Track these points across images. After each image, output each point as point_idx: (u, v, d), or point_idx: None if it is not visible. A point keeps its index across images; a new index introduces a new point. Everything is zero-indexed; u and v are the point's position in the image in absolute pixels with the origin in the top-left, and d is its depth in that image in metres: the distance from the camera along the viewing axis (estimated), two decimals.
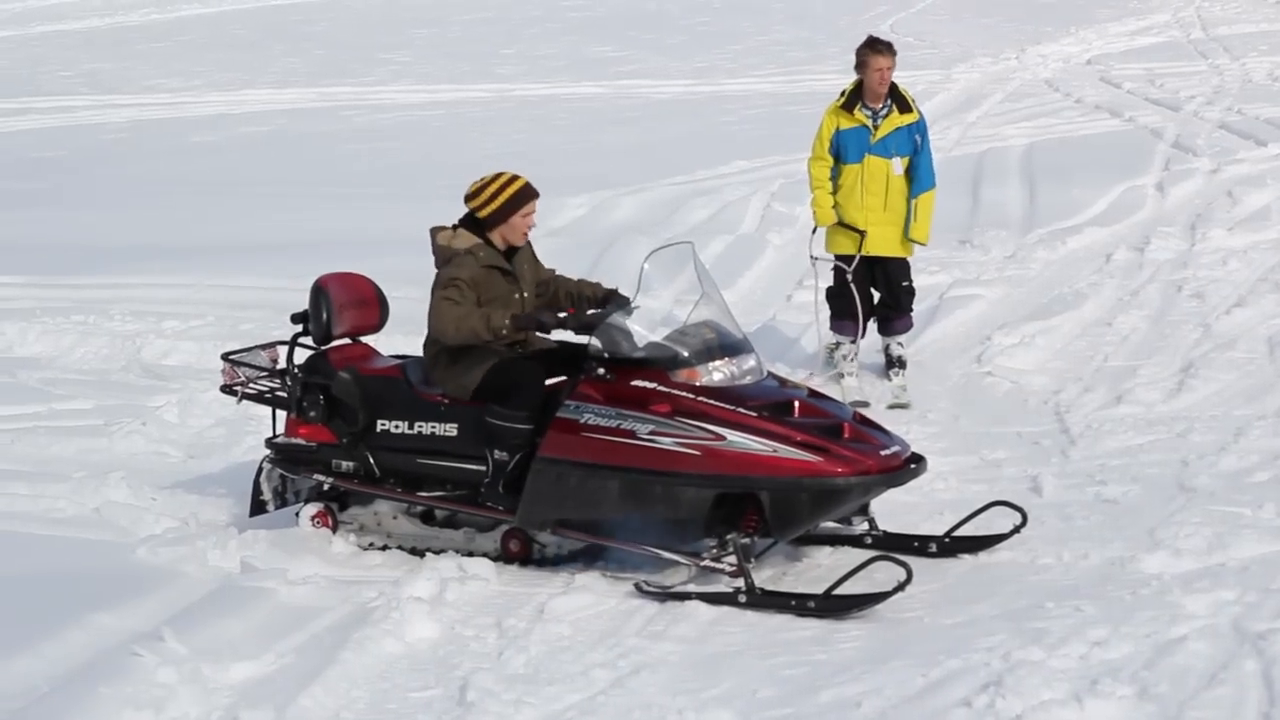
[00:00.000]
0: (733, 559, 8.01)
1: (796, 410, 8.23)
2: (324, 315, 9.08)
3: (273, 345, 9.52)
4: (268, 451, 9.19)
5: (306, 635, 7.67)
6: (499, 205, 8.74)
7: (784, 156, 19.81)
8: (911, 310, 11.68)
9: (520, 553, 8.67)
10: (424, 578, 8.20)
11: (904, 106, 11.35)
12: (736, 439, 7.94)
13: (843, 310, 11.51)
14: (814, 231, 11.70)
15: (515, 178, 8.81)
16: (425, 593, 8.04)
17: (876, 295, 11.61)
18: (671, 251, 8.90)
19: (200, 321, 13.74)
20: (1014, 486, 9.38)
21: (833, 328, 11.67)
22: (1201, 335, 12.03)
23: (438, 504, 8.83)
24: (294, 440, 9.07)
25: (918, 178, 11.33)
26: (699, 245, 15.21)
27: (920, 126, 11.39)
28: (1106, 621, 7.20)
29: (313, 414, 8.94)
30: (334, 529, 9.00)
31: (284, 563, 8.54)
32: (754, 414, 8.04)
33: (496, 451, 8.48)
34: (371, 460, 8.86)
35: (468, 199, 8.81)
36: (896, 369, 11.52)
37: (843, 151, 11.36)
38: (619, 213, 17.42)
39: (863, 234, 11.31)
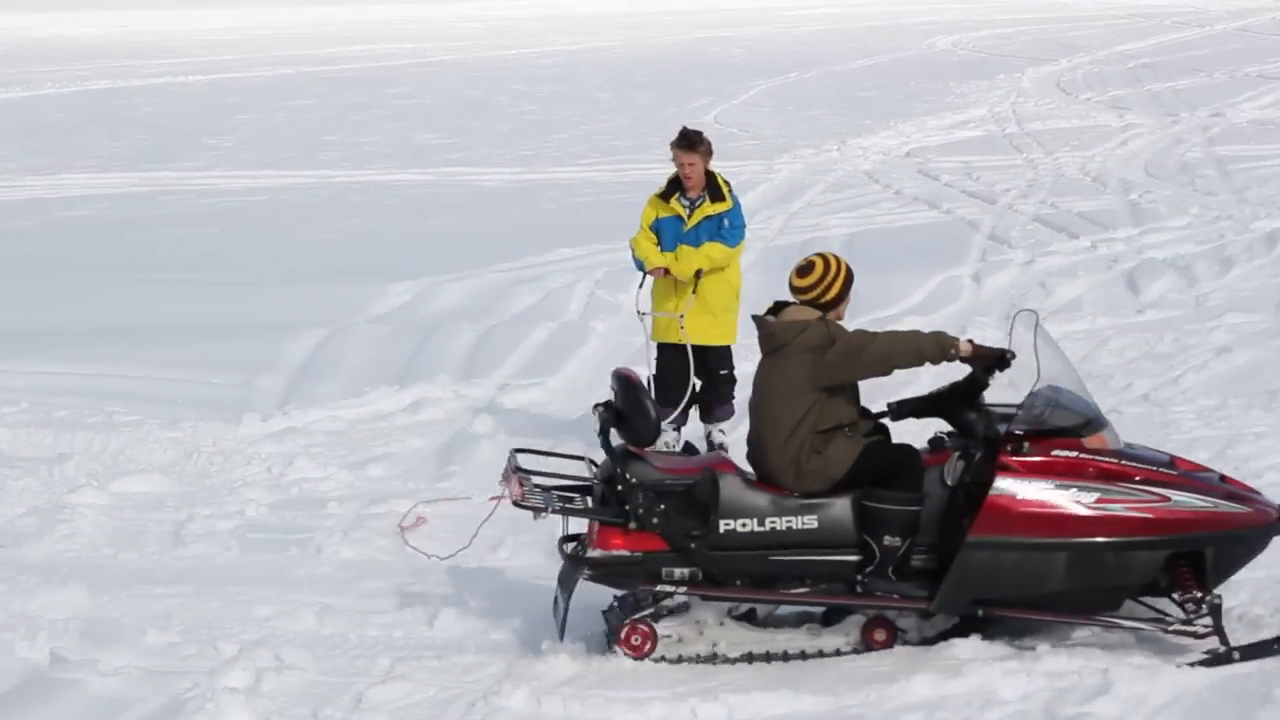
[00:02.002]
0: (1206, 620, 8.07)
1: (1178, 465, 8.46)
2: (651, 413, 8.49)
3: (576, 457, 8.98)
4: (581, 570, 8.31)
5: None
6: (840, 289, 8.65)
7: (608, 244, 19.91)
8: (733, 398, 11.77)
9: (886, 642, 8.39)
10: (240, 668, 8.07)
11: (717, 196, 11.49)
12: (1180, 498, 8.11)
13: (663, 397, 11.57)
14: (640, 286, 11.78)
15: (839, 259, 8.74)
16: (240, 683, 7.91)
17: (698, 383, 11.69)
18: (1021, 315, 8.84)
19: (13, 408, 13.46)
20: None
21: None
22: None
23: (806, 600, 8.41)
24: (616, 553, 8.30)
25: (719, 237, 11.47)
26: (522, 333, 15.38)
27: (732, 214, 11.53)
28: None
29: (655, 521, 8.24)
30: (655, 647, 8.34)
31: (95, 653, 8.36)
32: (1175, 473, 8.27)
33: (886, 538, 8.21)
34: (714, 563, 8.30)
35: (807, 290, 8.61)
36: None
37: (660, 240, 11.55)
38: (443, 299, 17.37)
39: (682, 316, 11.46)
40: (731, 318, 11.72)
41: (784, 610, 8.56)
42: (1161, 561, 8.16)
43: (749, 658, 8.29)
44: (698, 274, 11.44)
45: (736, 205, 11.62)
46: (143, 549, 10.34)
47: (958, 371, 8.72)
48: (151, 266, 20.14)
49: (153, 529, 10.67)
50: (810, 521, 8.29)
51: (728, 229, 11.51)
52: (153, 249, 21.73)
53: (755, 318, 8.69)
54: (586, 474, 8.76)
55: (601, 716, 7.77)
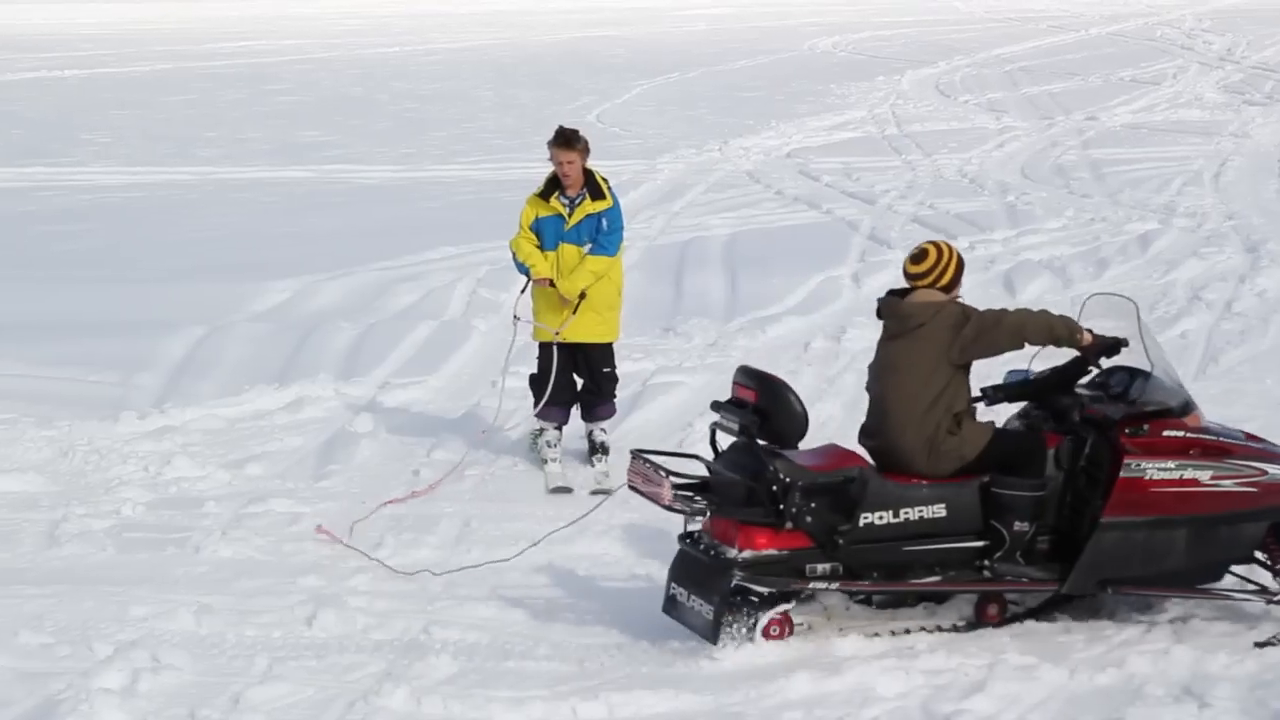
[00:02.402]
0: None
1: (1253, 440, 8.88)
2: (797, 409, 8.55)
3: (693, 456, 8.95)
4: (731, 572, 8.31)
5: None
6: (955, 272, 8.80)
7: (490, 243, 19.85)
8: (614, 396, 11.80)
9: (997, 616, 8.66)
10: (115, 668, 8.00)
11: (597, 194, 11.51)
12: (1275, 470, 8.60)
13: (544, 397, 11.58)
14: (523, 290, 11.74)
15: (950, 244, 8.98)
16: (116, 684, 7.84)
17: (580, 382, 11.70)
18: (1113, 301, 9.15)
19: None
20: None
21: (536, 414, 11.72)
22: None
23: (941, 589, 8.61)
24: (764, 553, 8.34)
25: (593, 248, 11.48)
26: (403, 331, 15.32)
27: (611, 212, 11.55)
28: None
29: (808, 520, 8.34)
30: (791, 633, 8.46)
31: None
32: (1260, 446, 8.70)
33: (1016, 524, 8.45)
34: (853, 557, 8.41)
35: (923, 275, 8.75)
36: (599, 455, 11.61)
37: (540, 239, 11.53)
38: (323, 298, 17.27)
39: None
40: (615, 316, 11.76)
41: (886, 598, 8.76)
42: (1264, 532, 8.64)
43: (874, 635, 8.48)
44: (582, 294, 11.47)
45: (616, 203, 11.65)
46: (16, 549, 10.20)
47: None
48: (26, 263, 19.85)
49: (27, 528, 10.53)
50: (940, 510, 8.49)
51: (607, 232, 11.52)
52: (28, 245, 21.42)
53: (884, 300, 8.88)
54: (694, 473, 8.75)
55: (482, 716, 7.77)
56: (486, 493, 11.19)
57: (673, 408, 12.97)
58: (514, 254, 11.65)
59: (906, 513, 8.47)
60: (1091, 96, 35.78)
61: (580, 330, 11.53)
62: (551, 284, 11.47)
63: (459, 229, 21.04)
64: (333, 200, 24.92)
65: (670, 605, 8.60)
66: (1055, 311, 8.96)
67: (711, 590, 8.33)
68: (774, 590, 8.39)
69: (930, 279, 8.75)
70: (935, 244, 8.92)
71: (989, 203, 22.33)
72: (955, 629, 8.58)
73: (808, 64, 48.58)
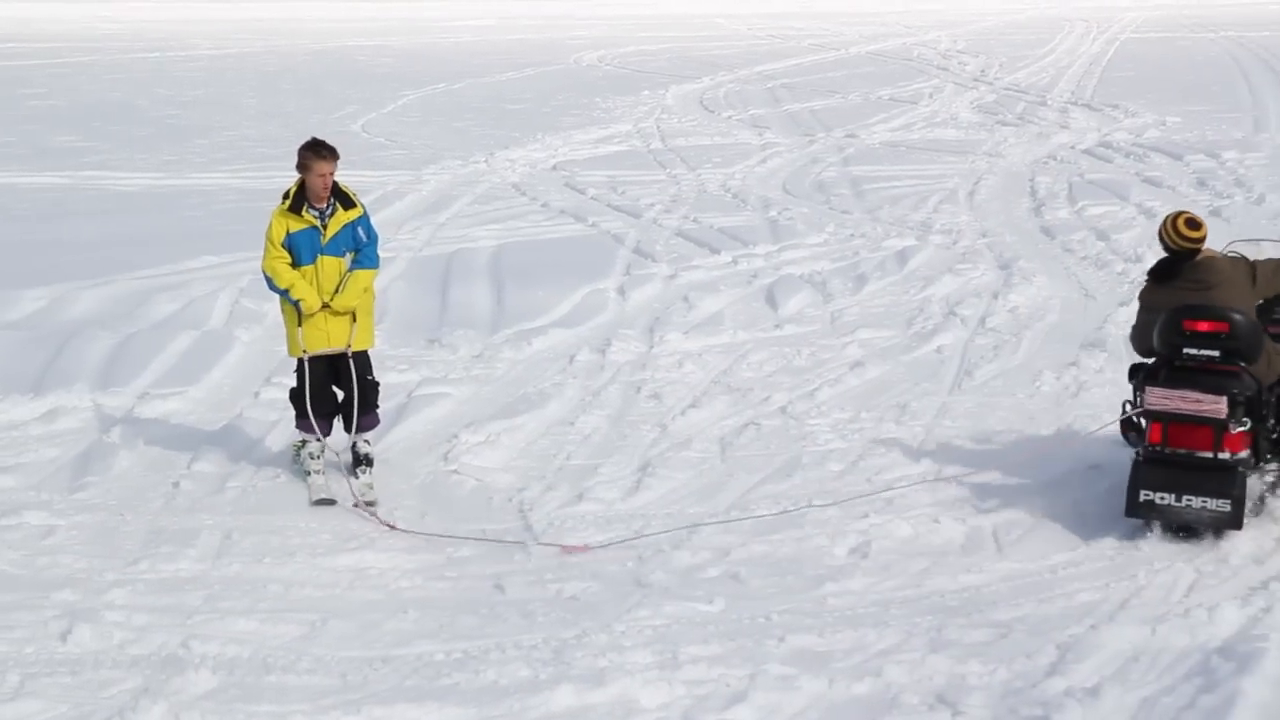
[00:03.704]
0: None
1: None
2: (1260, 334, 10.28)
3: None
4: (1239, 471, 10.02)
5: None
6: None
7: (253, 252, 19.53)
8: (378, 406, 11.73)
9: None
10: None
11: (347, 203, 11.41)
12: None
13: (306, 410, 11.48)
14: (299, 325, 11.52)
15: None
16: None
17: (341, 393, 11.61)
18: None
19: None
20: (478, 585, 9.55)
21: (298, 426, 11.61)
22: (659, 435, 12.46)
23: None
24: (1241, 454, 10.11)
25: (359, 261, 11.41)
26: (163, 341, 15.09)
27: (363, 220, 11.47)
28: None
29: (1272, 423, 10.45)
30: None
31: None
32: None
33: None
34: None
35: (1202, 239, 10.46)
36: (364, 466, 11.53)
37: (295, 254, 11.32)
38: (79, 306, 16.93)
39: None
40: (372, 322, 11.72)
41: None
42: None
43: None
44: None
45: (366, 211, 11.57)
46: None
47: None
48: None
49: None
50: None
51: (367, 243, 11.42)
52: None
53: (1200, 262, 10.39)
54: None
55: None
56: (248, 505, 11.06)
57: (438, 419, 12.94)
58: (270, 280, 11.38)
59: None
60: (851, 114, 36.41)
61: (340, 341, 11.45)
62: (326, 306, 11.35)
63: (221, 238, 20.77)
64: (90, 207, 24.44)
65: (1148, 510, 9.99)
66: None
67: (1227, 486, 9.93)
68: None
69: (1205, 239, 10.48)
70: (1192, 213, 10.61)
71: (752, 217, 22.60)
72: None
73: (574, 77, 48.77)
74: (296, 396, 11.55)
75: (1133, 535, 10.05)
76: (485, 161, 29.01)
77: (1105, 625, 8.66)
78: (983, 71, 47.28)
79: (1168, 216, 10.60)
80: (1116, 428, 11.06)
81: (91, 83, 46.15)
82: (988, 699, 7.98)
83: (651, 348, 15.16)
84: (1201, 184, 24.23)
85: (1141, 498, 9.97)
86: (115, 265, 18.95)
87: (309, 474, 11.41)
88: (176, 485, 11.39)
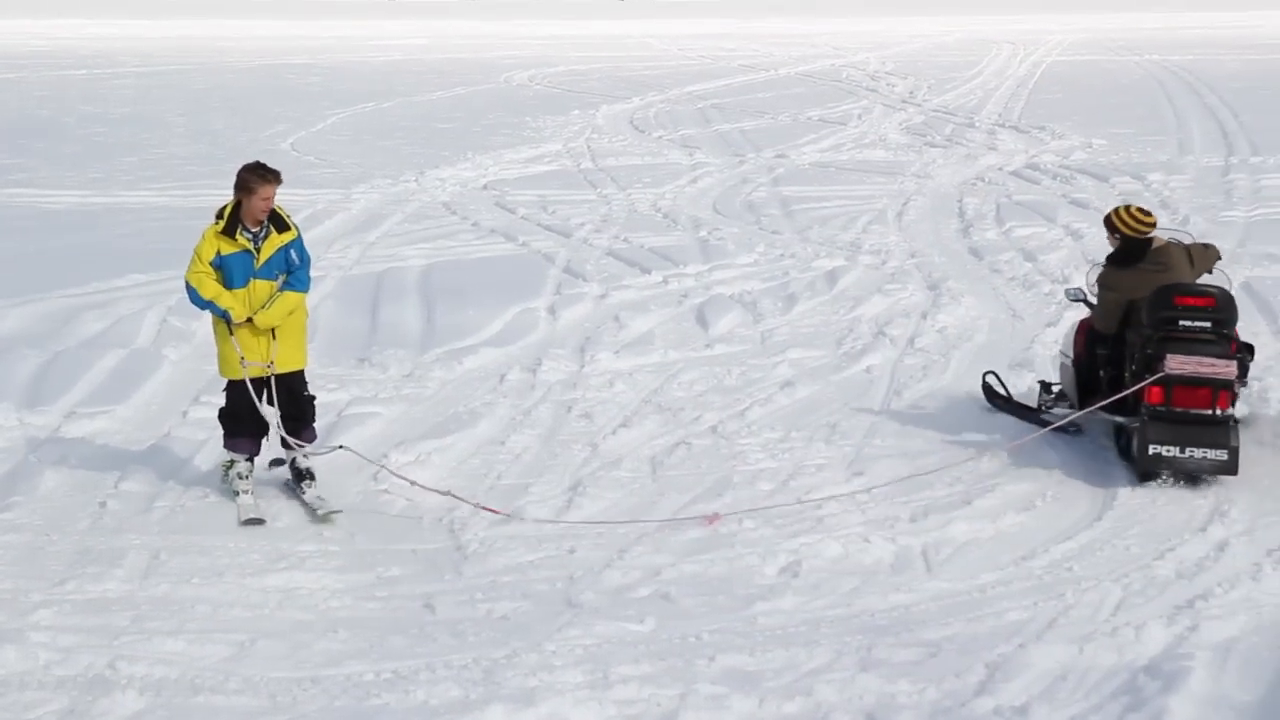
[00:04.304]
0: None
1: None
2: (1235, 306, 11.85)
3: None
4: (1232, 424, 11.45)
5: None
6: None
7: (181, 270, 19.48)
8: (314, 420, 11.68)
9: None
10: None
11: (281, 225, 11.33)
12: None
13: (236, 429, 11.43)
14: (231, 335, 11.43)
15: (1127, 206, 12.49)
16: None
17: (272, 412, 11.53)
18: None
19: None
20: (408, 604, 9.52)
21: (227, 446, 11.55)
22: (590, 454, 12.46)
23: None
24: (1230, 410, 11.51)
25: (290, 283, 11.35)
26: (90, 360, 14.99)
27: (297, 243, 11.40)
28: None
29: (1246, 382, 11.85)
30: None
31: None
32: None
33: None
34: None
35: (1155, 223, 12.35)
36: (307, 480, 11.47)
37: (226, 277, 11.21)
38: (5, 324, 16.79)
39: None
40: (305, 341, 11.68)
41: None
42: None
43: None
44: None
45: (300, 233, 11.50)
46: None
47: None
48: None
49: None
50: None
51: (299, 266, 11.35)
52: None
53: (1159, 247, 12.23)
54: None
55: None
56: (176, 525, 10.98)
57: (368, 438, 12.89)
58: (195, 291, 11.24)
59: None
60: (781, 135, 36.54)
61: (285, 361, 11.40)
62: (249, 320, 11.27)
63: (149, 256, 20.65)
64: (16, 225, 24.23)
65: (1157, 462, 11.36)
66: None
67: (1222, 438, 11.34)
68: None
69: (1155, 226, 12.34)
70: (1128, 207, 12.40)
71: (682, 237, 22.65)
72: None
73: (504, 97, 48.77)
74: (226, 416, 11.48)
75: (1061, 554, 10.13)
76: (415, 180, 28.94)
77: (1033, 644, 8.71)
78: (911, 93, 47.56)
79: (1117, 208, 12.40)
80: (1037, 444, 11.22)
81: (19, 100, 45.83)
82: (917, 718, 8.02)
83: (582, 367, 15.17)
84: None
85: (1151, 451, 11.35)
86: (42, 283, 18.80)
87: (238, 494, 11.34)
88: (104, 505, 11.31)
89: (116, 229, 23.87)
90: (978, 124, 37.90)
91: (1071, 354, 12.92)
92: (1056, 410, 13.12)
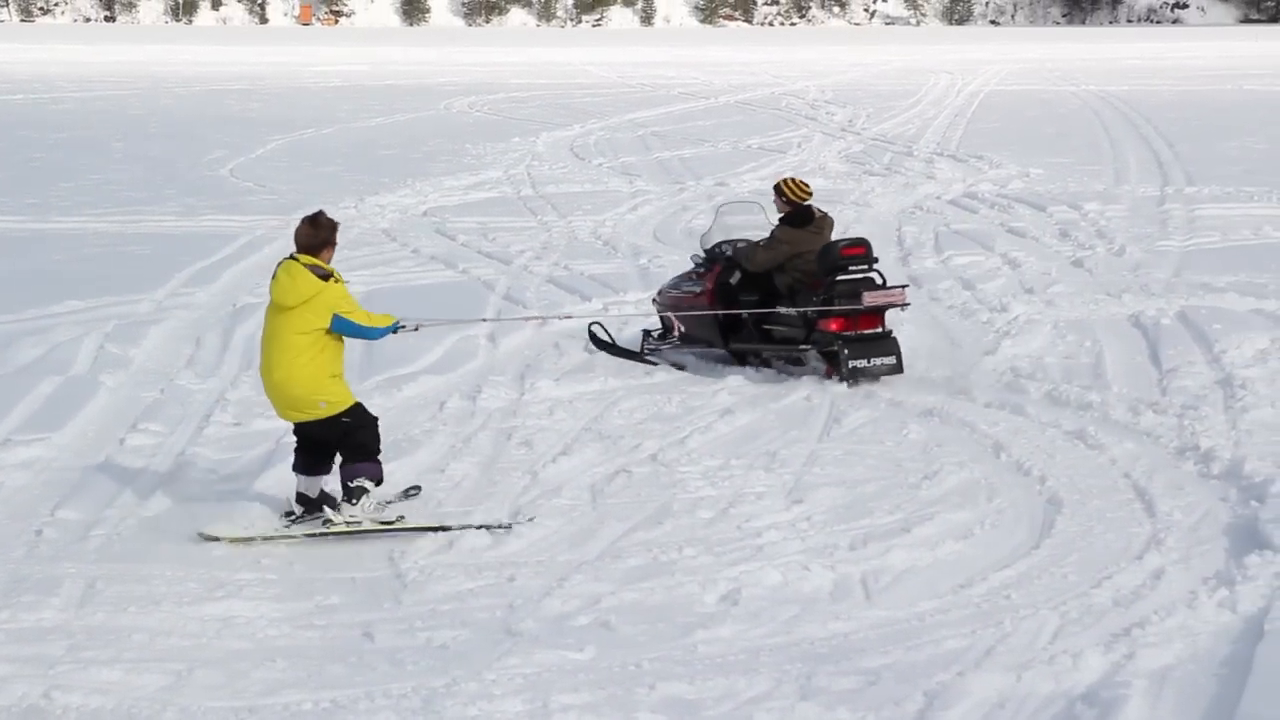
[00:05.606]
0: None
1: None
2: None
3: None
4: (893, 337, 15.29)
5: None
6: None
7: (119, 297, 19.46)
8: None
9: None
10: None
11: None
12: None
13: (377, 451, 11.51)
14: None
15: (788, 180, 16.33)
16: None
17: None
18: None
19: None
20: (347, 633, 9.48)
21: (370, 475, 11.45)
22: (530, 482, 12.44)
23: None
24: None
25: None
26: (26, 387, 14.90)
27: None
28: None
29: None
30: None
31: None
32: None
33: None
34: None
35: (804, 194, 16.11)
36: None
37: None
38: None
39: None
40: None
41: None
42: None
43: None
44: None
45: None
46: None
47: None
48: None
49: None
50: None
51: None
52: None
53: (822, 215, 16.13)
54: None
55: None
56: (113, 553, 10.90)
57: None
58: (374, 329, 11.79)
59: None
60: (721, 163, 36.67)
61: None
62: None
63: (86, 282, 20.54)
64: None
65: (855, 374, 15.13)
66: None
67: (892, 348, 15.33)
68: None
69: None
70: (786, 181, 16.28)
71: (622, 265, 22.68)
72: None
73: (444, 123, 48.77)
74: (367, 442, 11.45)
75: (999, 582, 10.16)
76: (355, 207, 28.89)
77: (972, 672, 8.73)
78: (850, 122, 47.80)
79: (784, 180, 16.20)
80: (983, 449, 11.26)
81: None
82: None
83: (522, 395, 15.16)
84: (1064, 235, 24.61)
85: (851, 365, 15.12)
86: None
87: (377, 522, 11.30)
88: (39, 533, 11.22)
89: (53, 255, 23.74)
90: (916, 153, 38.13)
91: (685, 310, 16.66)
92: (665, 350, 16.76)
